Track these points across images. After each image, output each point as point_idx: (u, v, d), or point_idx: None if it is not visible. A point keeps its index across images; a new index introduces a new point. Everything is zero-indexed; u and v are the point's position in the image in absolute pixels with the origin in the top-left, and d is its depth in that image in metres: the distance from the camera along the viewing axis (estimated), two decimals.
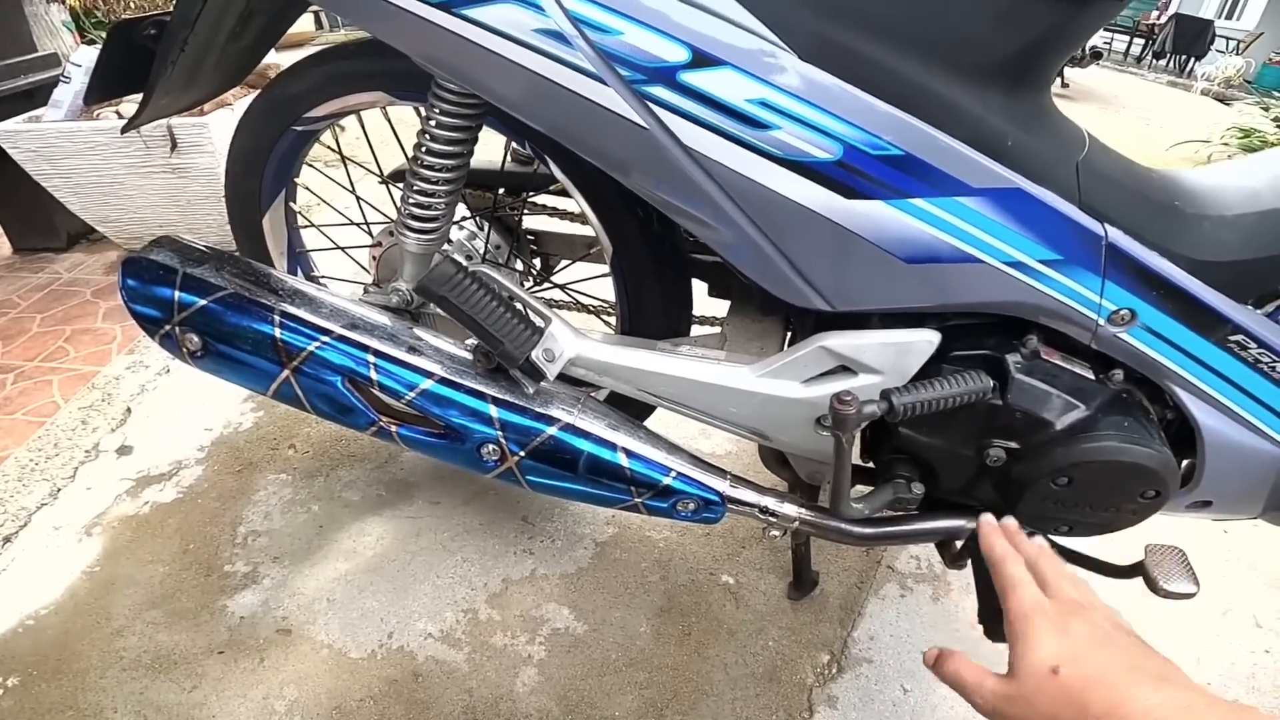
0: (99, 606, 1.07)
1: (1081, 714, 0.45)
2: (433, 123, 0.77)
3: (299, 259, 1.11)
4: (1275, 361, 0.73)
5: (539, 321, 0.74)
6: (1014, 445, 0.75)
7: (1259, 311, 0.74)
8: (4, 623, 1.04)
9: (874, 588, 1.14)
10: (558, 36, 0.59)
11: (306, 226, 1.12)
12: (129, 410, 1.38)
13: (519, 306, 0.73)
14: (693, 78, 0.59)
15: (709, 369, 0.75)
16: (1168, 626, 1.12)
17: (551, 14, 0.58)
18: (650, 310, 0.88)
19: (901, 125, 0.61)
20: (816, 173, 0.61)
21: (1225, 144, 4.00)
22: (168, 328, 0.78)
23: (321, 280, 1.18)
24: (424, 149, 0.78)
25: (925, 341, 0.71)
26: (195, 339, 0.78)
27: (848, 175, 0.61)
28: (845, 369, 0.74)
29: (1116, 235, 0.67)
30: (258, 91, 0.94)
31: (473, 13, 0.58)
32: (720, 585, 1.13)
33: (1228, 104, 6.11)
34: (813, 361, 0.73)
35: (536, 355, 0.72)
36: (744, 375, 0.75)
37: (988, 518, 0.64)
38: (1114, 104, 5.73)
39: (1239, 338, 0.72)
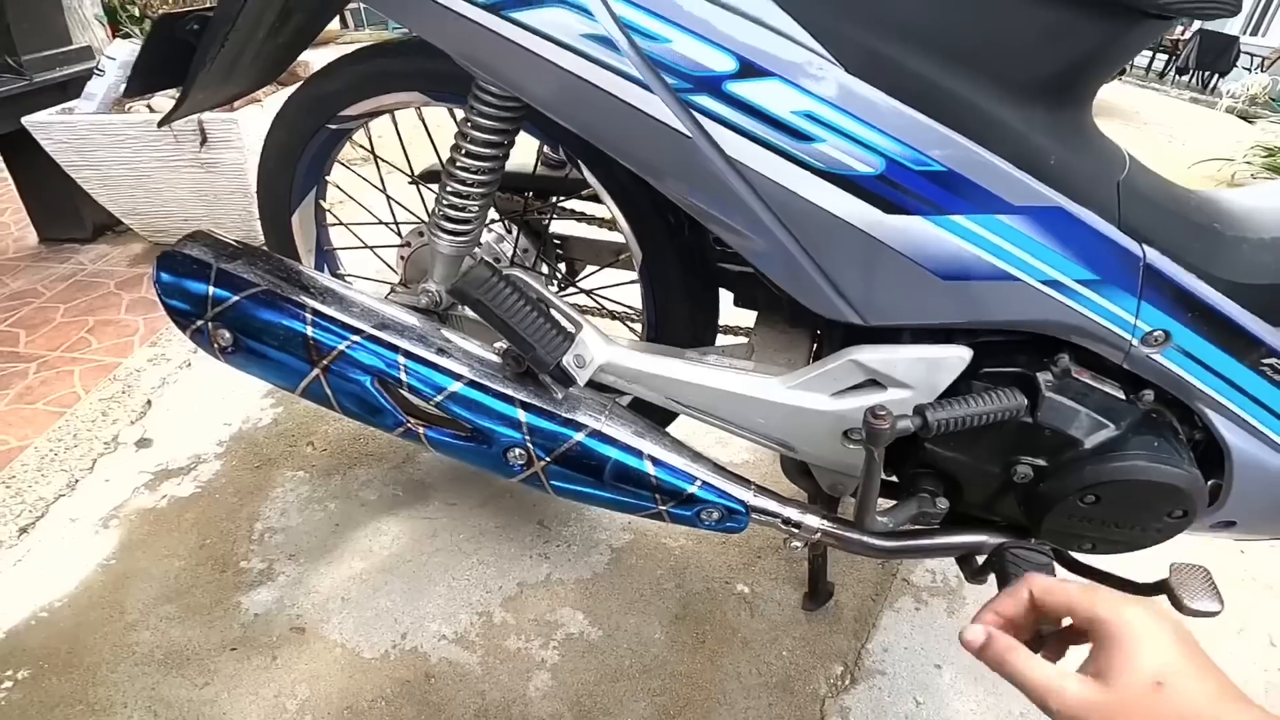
0: (113, 600, 1.07)
1: None
2: (471, 124, 0.77)
3: (326, 257, 1.11)
4: None
5: (570, 327, 0.74)
6: (1042, 463, 0.75)
7: None
8: (17, 614, 1.04)
9: (889, 600, 1.14)
10: (605, 42, 0.59)
11: (335, 224, 1.12)
12: (149, 403, 1.39)
13: (551, 312, 0.73)
14: (739, 88, 0.59)
15: (738, 379, 0.75)
16: None
17: (600, 19, 0.58)
18: (677, 318, 0.89)
19: (945, 141, 0.61)
20: (857, 186, 0.61)
21: (1249, 162, 3.97)
22: (200, 322, 0.78)
23: (348, 279, 1.19)
24: (462, 150, 0.78)
25: (957, 358, 0.71)
26: (227, 335, 0.78)
27: (889, 190, 0.61)
28: (874, 383, 0.75)
29: (1155, 256, 0.67)
30: (288, 89, 0.95)
31: (521, 15, 0.59)
32: (735, 594, 1.13)
33: (1251, 122, 6.06)
34: (843, 374, 0.73)
35: (567, 361, 0.72)
36: (773, 387, 0.75)
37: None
38: (1135, 120, 5.69)
39: (1272, 361, 0.72)
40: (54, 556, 1.13)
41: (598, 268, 1.13)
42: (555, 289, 1.14)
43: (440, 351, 0.79)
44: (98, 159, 1.67)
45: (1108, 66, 0.66)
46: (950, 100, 0.61)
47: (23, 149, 1.77)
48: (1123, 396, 0.74)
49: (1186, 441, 0.77)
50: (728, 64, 0.58)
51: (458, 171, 0.79)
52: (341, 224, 1.11)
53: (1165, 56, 10.23)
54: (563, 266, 1.16)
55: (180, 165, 1.66)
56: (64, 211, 1.90)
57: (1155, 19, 0.61)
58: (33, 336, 1.53)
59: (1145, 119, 5.68)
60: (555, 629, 1.07)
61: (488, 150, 0.78)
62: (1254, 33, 11.92)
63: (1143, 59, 10.60)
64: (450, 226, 0.81)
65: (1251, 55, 9.80)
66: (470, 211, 0.80)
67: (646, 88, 0.59)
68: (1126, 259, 0.66)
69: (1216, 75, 9.01)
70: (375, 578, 1.12)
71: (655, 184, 0.68)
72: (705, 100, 0.59)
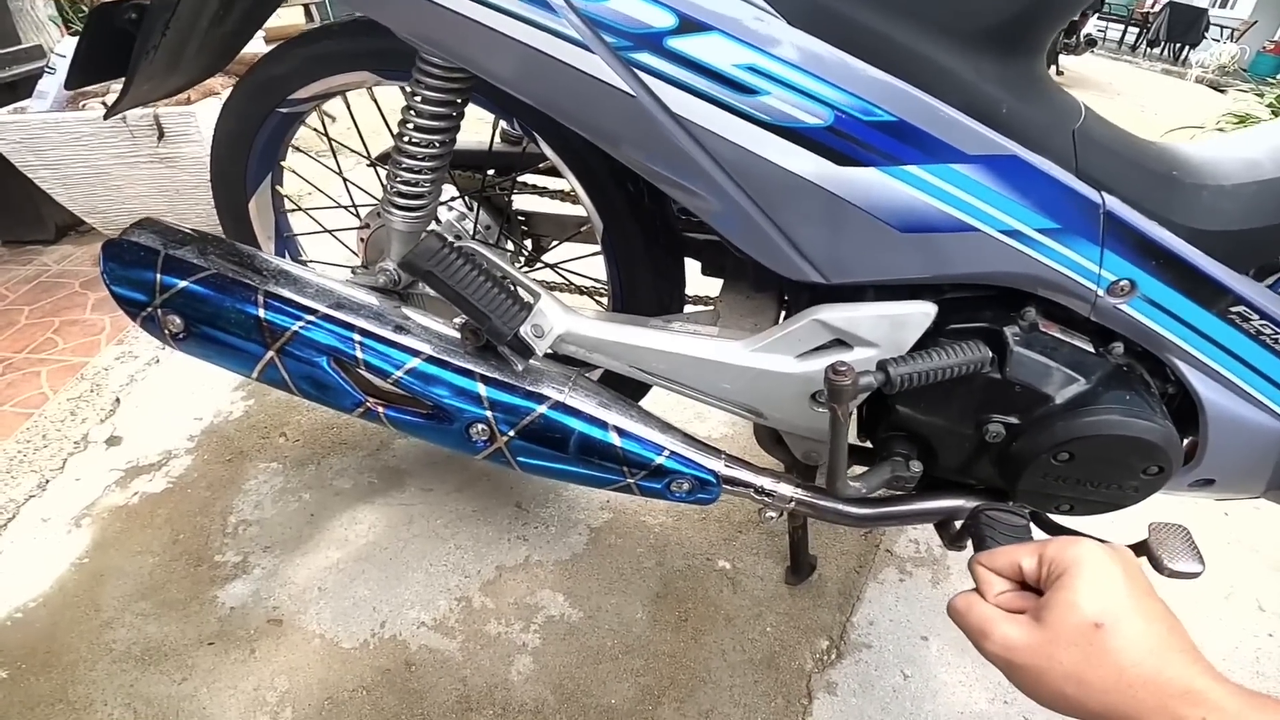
0: (88, 598, 1.06)
1: (1118, 680, 0.40)
2: (418, 99, 0.75)
3: (286, 243, 1.09)
4: (1277, 333, 0.72)
5: (528, 297, 0.72)
6: (1014, 420, 0.73)
7: (1260, 283, 0.72)
8: None
9: (873, 572, 1.13)
10: (542, 4, 0.57)
11: (293, 210, 1.10)
12: (118, 400, 1.37)
13: (507, 282, 0.71)
14: (680, 43, 0.57)
15: (701, 344, 0.74)
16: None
17: None
18: (642, 288, 0.87)
19: (894, 91, 0.60)
20: (808, 139, 0.60)
21: (1220, 129, 3.99)
22: (149, 310, 0.76)
23: (311, 264, 1.17)
24: (410, 125, 0.76)
25: (921, 313, 0.70)
26: (178, 320, 0.76)
27: (840, 141, 0.60)
28: (840, 343, 0.73)
29: (1114, 204, 0.66)
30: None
31: None
32: (717, 571, 1.12)
33: (1223, 91, 6.13)
34: (807, 335, 0.72)
35: (525, 331, 0.71)
36: (737, 350, 0.73)
37: None
38: (1108, 91, 5.74)
39: (1240, 309, 0.70)
40: (27, 557, 1.12)
41: (560, 241, 1.11)
42: (521, 265, 1.13)
43: (398, 329, 0.77)
44: (54, 158, 1.65)
45: (1057, 16, 0.65)
46: (897, 50, 0.60)
47: None
48: (1092, 350, 0.73)
49: (1160, 396, 0.76)
50: (667, 19, 0.57)
51: (407, 146, 0.77)
52: (300, 209, 1.09)
53: (1136, 30, 10.32)
54: (529, 243, 1.14)
55: (139, 161, 1.63)
56: (24, 213, 1.87)
57: None
58: None
59: (1118, 90, 5.74)
60: (535, 612, 1.05)
61: (436, 124, 0.76)
62: (1222, 5, 12.00)
63: (1115, 32, 10.68)
64: (403, 203, 0.79)
65: (1221, 27, 9.92)
66: (422, 187, 0.78)
67: (587, 48, 0.58)
68: (1086, 206, 0.65)
69: (1187, 47, 9.10)
70: (352, 567, 1.11)
71: (609, 149, 0.66)
72: (646, 58, 0.58)
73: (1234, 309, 0.71)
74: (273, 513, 1.18)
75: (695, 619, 1.05)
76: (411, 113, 0.76)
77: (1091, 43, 5.86)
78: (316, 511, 1.18)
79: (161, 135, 1.54)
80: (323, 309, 0.76)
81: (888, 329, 0.70)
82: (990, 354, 0.64)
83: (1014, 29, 0.64)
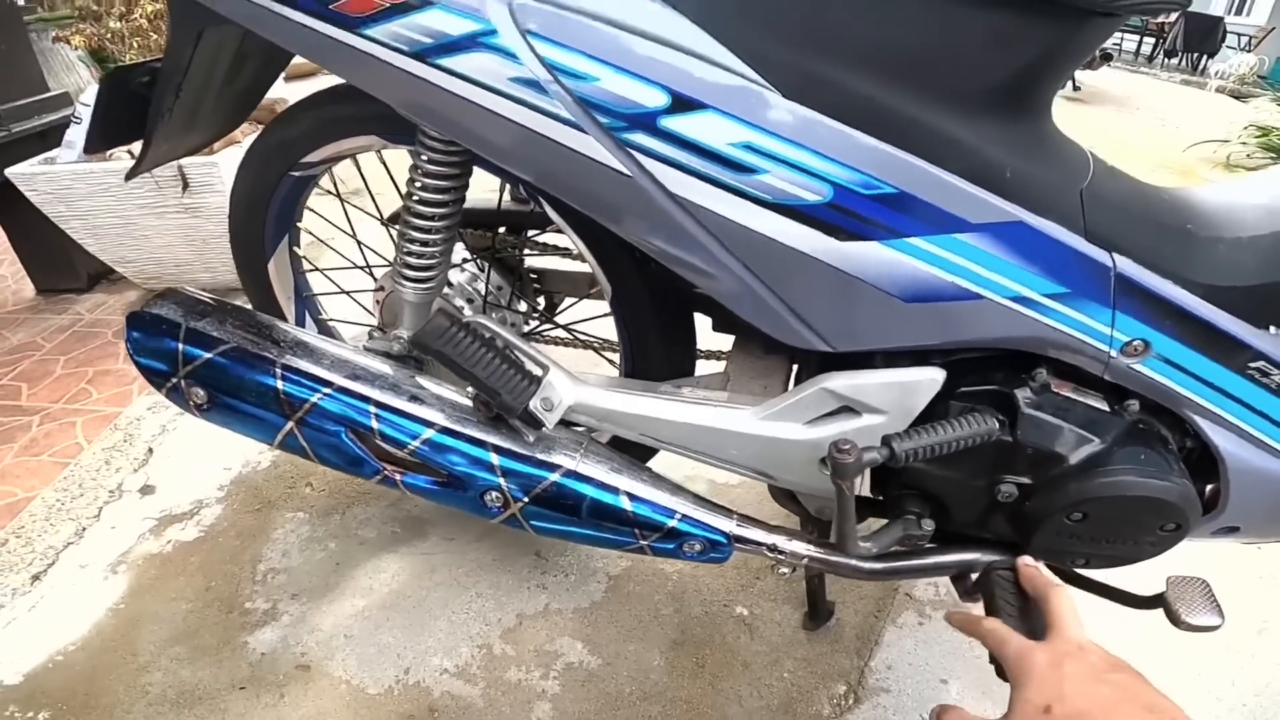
0: (125, 642, 1.09)
1: None
2: (421, 170, 0.76)
3: (306, 303, 1.12)
4: None
5: (537, 370, 0.73)
6: (1026, 481, 0.73)
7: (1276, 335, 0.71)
8: (34, 658, 1.07)
9: (891, 616, 1.12)
10: (534, 85, 0.57)
11: (312, 270, 1.13)
12: (150, 450, 1.41)
13: (516, 356, 0.72)
14: (674, 123, 0.57)
15: (709, 413, 0.74)
16: (1199, 648, 1.08)
17: (526, 62, 0.56)
18: (653, 350, 0.88)
19: (894, 162, 0.59)
20: (808, 216, 0.60)
21: (1244, 143, 3.89)
22: (173, 381, 0.79)
23: (330, 323, 1.19)
24: (414, 197, 0.78)
25: (929, 380, 0.70)
26: (201, 392, 0.79)
27: (840, 217, 0.60)
28: (849, 408, 0.73)
29: (1125, 264, 0.65)
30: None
31: (448, 62, 0.57)
32: (734, 617, 1.12)
33: (1244, 100, 5.97)
34: (815, 403, 0.72)
35: (534, 405, 0.72)
36: (745, 418, 0.74)
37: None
38: (1127, 105, 5.63)
39: (1259, 364, 0.69)
40: (66, 602, 1.15)
41: (576, 300, 1.12)
42: (536, 324, 1.14)
43: (413, 399, 0.79)
44: (83, 209, 1.68)
45: (1058, 71, 0.64)
46: (896, 119, 0.59)
47: (11, 201, 1.76)
48: (1106, 408, 0.72)
49: (1178, 450, 0.75)
50: (659, 99, 0.56)
51: (413, 218, 0.78)
52: (317, 270, 1.12)
53: (1153, 40, 10.15)
54: (542, 301, 1.16)
55: (165, 211, 1.67)
56: (58, 262, 1.91)
57: (1102, 17, 0.59)
58: (35, 389, 1.56)
59: (1137, 104, 5.65)
60: (555, 659, 1.06)
61: (440, 196, 0.78)
62: (1238, 12, 11.70)
63: (1131, 43, 10.51)
64: (413, 273, 0.80)
65: (1238, 34, 9.68)
66: (431, 256, 0.80)
67: (581, 129, 0.58)
68: (1096, 270, 0.64)
69: (1205, 56, 8.91)
70: (377, 614, 1.13)
71: (609, 224, 0.67)
72: (641, 138, 0.58)
73: (1253, 365, 0.69)
74: (300, 561, 1.20)
75: (713, 665, 1.05)
76: (415, 184, 0.77)
77: (1107, 57, 5.76)
78: (342, 560, 1.20)
79: (186, 186, 1.58)
80: (339, 381, 0.78)
81: (896, 396, 0.70)
82: (997, 425, 0.63)
83: (1014, 89, 0.63)
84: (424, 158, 0.74)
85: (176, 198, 1.62)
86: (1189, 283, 0.66)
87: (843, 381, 0.70)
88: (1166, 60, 9.42)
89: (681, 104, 0.56)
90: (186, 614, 1.13)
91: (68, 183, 1.64)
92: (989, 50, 0.59)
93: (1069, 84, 5.70)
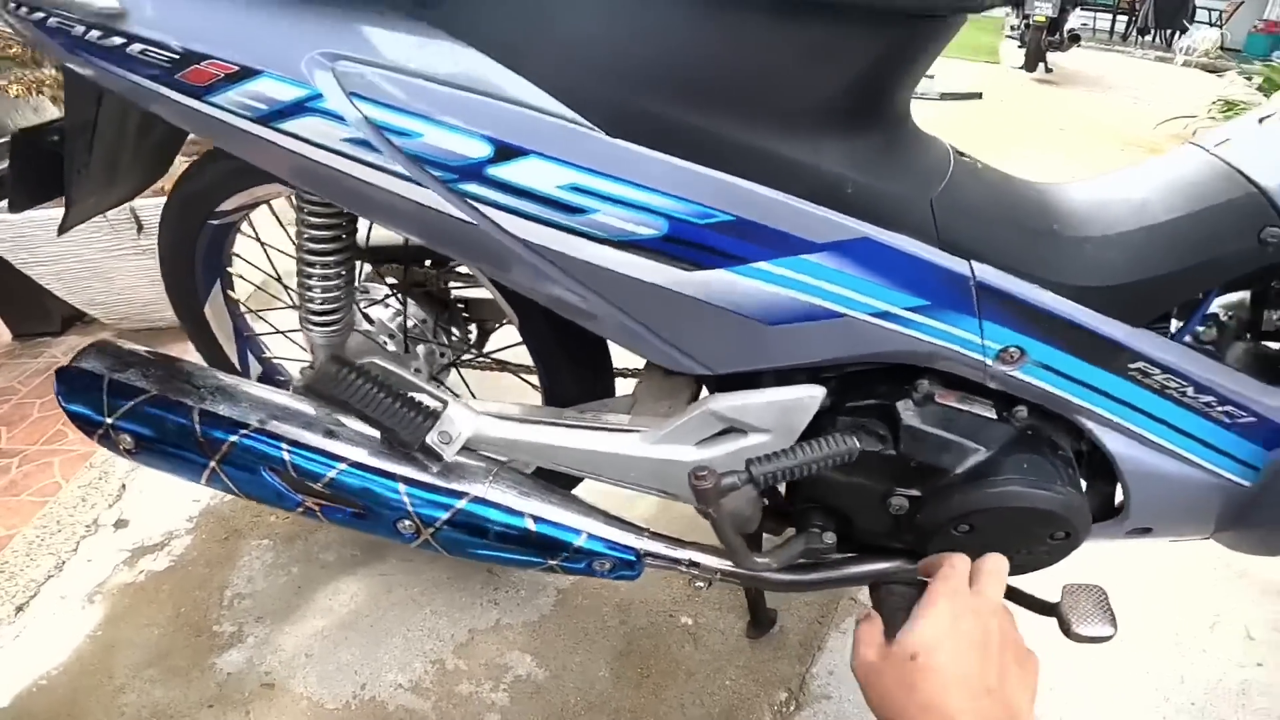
0: (102, 667, 1.15)
1: (908, 701, 0.48)
2: (302, 220, 0.77)
3: (248, 343, 1.15)
4: (1184, 386, 0.70)
5: (434, 405, 0.76)
6: (914, 493, 0.74)
7: (1160, 335, 0.71)
8: (20, 683, 1.12)
9: (834, 621, 1.13)
10: (366, 144, 0.58)
11: (249, 312, 1.16)
12: (124, 486, 1.47)
13: (411, 393, 0.75)
14: (500, 171, 0.57)
15: (602, 438, 0.76)
16: (1147, 643, 1.08)
17: (354, 123, 0.57)
18: (565, 375, 0.89)
19: (727, 189, 0.59)
20: (648, 249, 0.60)
21: (1212, 118, 3.84)
22: (102, 429, 0.83)
23: (275, 362, 1.23)
24: (303, 246, 0.79)
25: (808, 398, 0.71)
26: (128, 438, 0.82)
27: (680, 248, 0.60)
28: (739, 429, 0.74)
29: (986, 272, 0.64)
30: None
31: (288, 126, 0.58)
32: (679, 626, 1.14)
33: (1220, 75, 5.90)
34: (702, 424, 0.73)
35: (432, 439, 0.74)
36: (636, 442, 0.75)
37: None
38: (1100, 85, 5.55)
39: (1139, 365, 0.69)
40: (48, 631, 1.21)
41: (498, 326, 1.14)
42: (464, 354, 1.14)
43: (327, 434, 0.81)
44: (45, 255, 1.68)
45: (898, 80, 0.63)
46: (725, 146, 0.59)
47: None
48: (993, 415, 0.73)
49: (1074, 455, 0.75)
50: (482, 149, 0.57)
51: (304, 265, 0.80)
52: (252, 311, 1.15)
53: (1125, 17, 9.94)
54: (475, 329, 1.17)
55: (124, 254, 1.67)
56: (31, 307, 1.89)
57: (927, 20, 0.58)
58: (14, 432, 1.62)
59: (1110, 83, 5.58)
60: (505, 672, 1.09)
61: (325, 245, 0.78)
62: None
63: (1104, 21, 10.32)
64: (316, 319, 0.82)
65: (1209, 10, 9.47)
66: (329, 301, 0.82)
67: (418, 183, 0.58)
68: (953, 280, 0.64)
69: (1177, 32, 8.70)
70: (336, 634, 1.17)
71: (474, 269, 0.68)
72: (474, 188, 0.58)
73: (1133, 366, 0.69)
74: (264, 585, 1.25)
75: (657, 675, 1.07)
76: (302, 230, 0.78)
77: (1075, 39, 5.63)
78: (304, 583, 1.24)
79: (140, 228, 1.59)
80: (254, 422, 0.81)
81: (777, 415, 0.71)
82: (858, 444, 0.64)
83: (851, 102, 0.62)
84: (304, 209, 0.76)
85: (133, 239, 1.63)
86: (1057, 285, 0.66)
87: (725, 403, 0.72)
88: (1139, 37, 9.23)
89: (504, 152, 0.57)
90: (159, 638, 1.18)
91: (25, 230, 1.63)
92: (808, 68, 0.58)
93: (1040, 67, 5.55)
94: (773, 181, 0.59)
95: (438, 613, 1.18)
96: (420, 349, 1.03)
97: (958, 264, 0.64)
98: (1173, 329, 0.73)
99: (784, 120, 0.59)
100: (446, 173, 0.58)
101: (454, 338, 1.11)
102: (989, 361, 0.68)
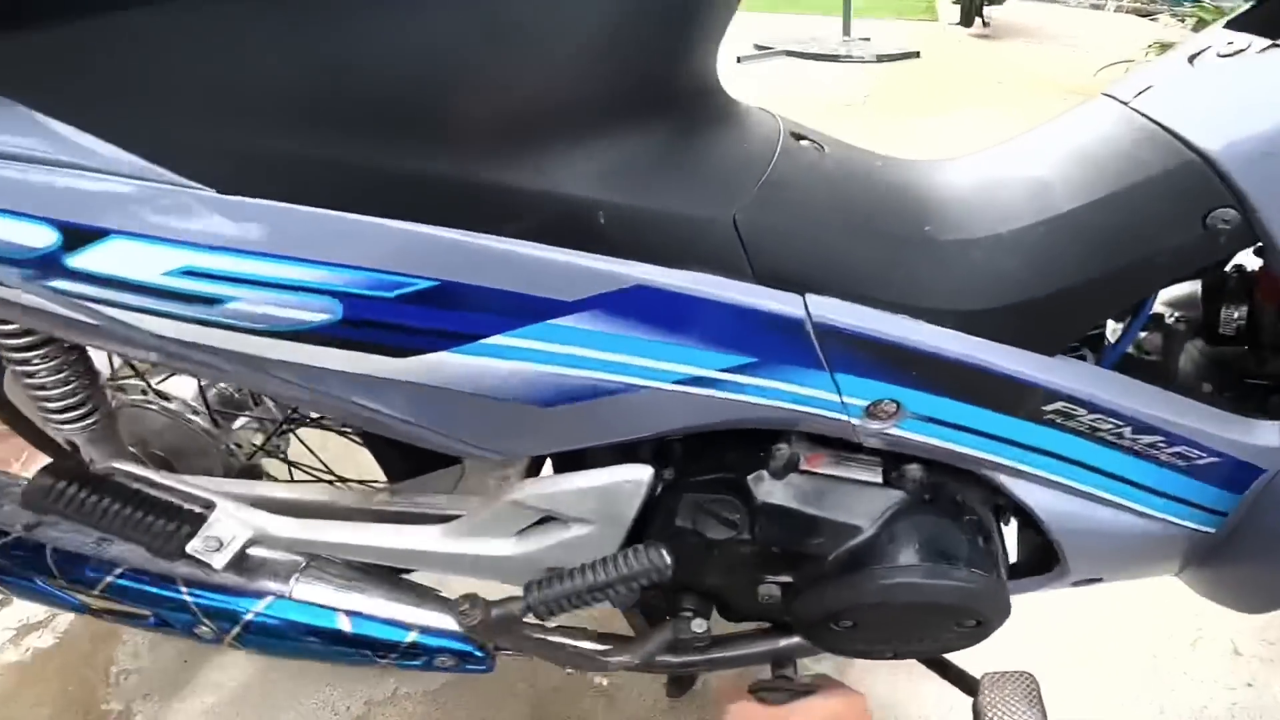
0: None
1: None
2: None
3: None
4: (1120, 427, 0.54)
5: (198, 509, 0.62)
6: (786, 580, 0.59)
7: (1082, 361, 0.55)
8: None
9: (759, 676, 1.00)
10: None
11: None
12: None
13: (169, 498, 0.62)
14: (81, 261, 0.41)
15: (403, 534, 0.62)
16: (1118, 668, 0.94)
17: None
18: (386, 447, 0.74)
19: (415, 245, 0.42)
20: (332, 338, 0.43)
21: (1149, 61, 3.66)
22: None
23: None
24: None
25: (631, 481, 0.54)
26: None
27: (371, 333, 0.43)
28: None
29: (825, 307, 0.48)
30: None
31: None
32: (594, 688, 1.02)
33: (1153, 19, 5.90)
34: (511, 516, 0.58)
35: (195, 548, 0.61)
36: (440, 538, 0.61)
37: None
38: (1037, 36, 5.45)
39: (1058, 405, 0.53)
40: None
41: None
42: (289, 425, 0.96)
43: (101, 540, 0.69)
44: None
45: (665, 37, 0.46)
46: (400, 183, 0.42)
47: None
48: (878, 480, 0.57)
49: (984, 517, 0.60)
50: (48, 236, 0.40)
51: (17, 367, 0.59)
52: None
53: None
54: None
55: None
56: None
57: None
58: None
59: (1048, 34, 5.52)
60: None
61: (23, 355, 0.58)
62: None
63: None
64: (60, 417, 0.67)
65: None
66: (69, 398, 0.65)
67: (7, 284, 0.42)
68: (780, 324, 0.47)
69: None
70: (226, 710, 1.08)
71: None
72: (64, 284, 0.41)
73: (1049, 407, 0.53)
74: (150, 661, 1.16)
75: None
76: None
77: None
78: (190, 657, 1.15)
79: None
80: (17, 530, 0.69)
81: (595, 503, 0.55)
82: (665, 560, 0.49)
83: (589, 90, 0.44)
84: None
85: None
86: (933, 312, 0.49)
87: (531, 490, 0.57)
88: None
89: (76, 237, 0.40)
90: (48, 719, 1.11)
91: None
92: (504, 43, 0.41)
93: (977, 21, 5.35)
94: (482, 224, 0.42)
95: (331, 684, 1.08)
96: (238, 422, 0.89)
97: (784, 301, 0.47)
98: (1109, 338, 0.57)
99: (482, 132, 0.43)
100: (25, 269, 0.41)
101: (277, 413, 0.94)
102: (854, 421, 0.52)
